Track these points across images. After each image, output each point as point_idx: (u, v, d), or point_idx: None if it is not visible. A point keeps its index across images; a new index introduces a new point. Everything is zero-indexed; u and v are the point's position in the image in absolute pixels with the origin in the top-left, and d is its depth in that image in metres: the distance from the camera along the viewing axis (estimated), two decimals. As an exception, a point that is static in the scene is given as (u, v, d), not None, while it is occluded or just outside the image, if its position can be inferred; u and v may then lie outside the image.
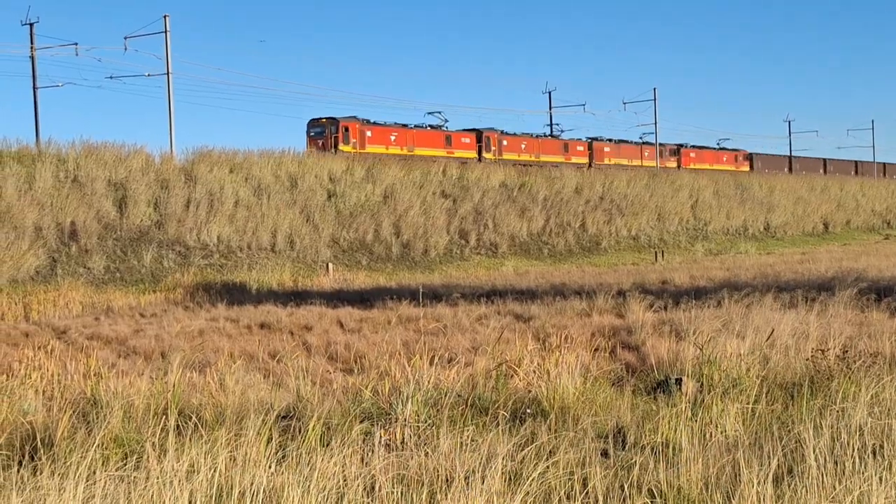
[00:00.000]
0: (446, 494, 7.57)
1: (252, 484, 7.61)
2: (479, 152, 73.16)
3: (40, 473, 7.92)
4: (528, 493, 7.67)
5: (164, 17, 55.67)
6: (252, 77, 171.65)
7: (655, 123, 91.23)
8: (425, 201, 57.43)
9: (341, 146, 61.87)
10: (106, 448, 9.00)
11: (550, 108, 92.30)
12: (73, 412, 10.48)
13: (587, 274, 42.96)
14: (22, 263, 38.22)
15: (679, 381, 13.18)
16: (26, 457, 9.31)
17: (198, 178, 48.35)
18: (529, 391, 12.79)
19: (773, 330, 15.59)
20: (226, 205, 47.66)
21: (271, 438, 9.12)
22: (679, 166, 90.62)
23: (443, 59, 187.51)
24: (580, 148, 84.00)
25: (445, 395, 11.50)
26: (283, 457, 8.63)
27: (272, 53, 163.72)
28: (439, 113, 76.67)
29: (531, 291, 30.32)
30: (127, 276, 41.12)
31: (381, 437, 9.82)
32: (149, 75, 57.10)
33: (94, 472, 7.59)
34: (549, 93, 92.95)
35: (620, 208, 69.19)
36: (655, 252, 61.59)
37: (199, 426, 9.70)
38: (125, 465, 8.21)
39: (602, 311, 22.94)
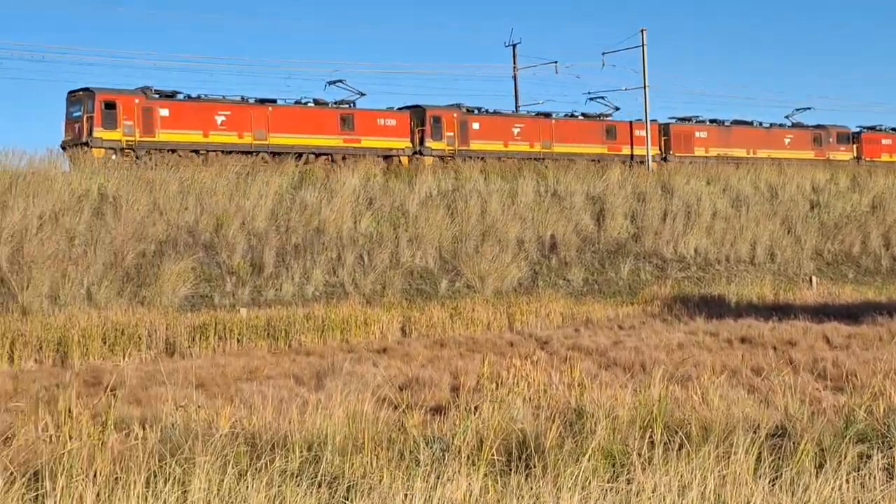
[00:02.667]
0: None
1: (747, 504, 7.30)
2: (421, 139, 50.05)
3: (534, 480, 8.05)
4: None
5: (641, 31, 56.37)
6: (736, 87, 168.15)
7: None
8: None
9: (98, 132, 42.48)
10: (594, 459, 9.02)
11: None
12: (561, 421, 10.63)
13: None
14: (506, 275, 39.95)
15: None
16: (521, 463, 9.53)
17: (674, 190, 48.45)
18: None
19: None
20: (703, 216, 47.35)
21: (760, 457, 8.74)
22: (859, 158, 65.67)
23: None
24: (640, 133, 55.84)
25: (952, 420, 10.55)
26: (776, 477, 8.22)
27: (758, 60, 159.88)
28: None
29: None
30: (604, 288, 41.84)
31: (878, 461, 9.15)
32: (625, 89, 58.12)
33: (589, 483, 7.60)
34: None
35: None
36: None
37: (686, 441, 9.50)
38: (615, 476, 8.17)
39: None
